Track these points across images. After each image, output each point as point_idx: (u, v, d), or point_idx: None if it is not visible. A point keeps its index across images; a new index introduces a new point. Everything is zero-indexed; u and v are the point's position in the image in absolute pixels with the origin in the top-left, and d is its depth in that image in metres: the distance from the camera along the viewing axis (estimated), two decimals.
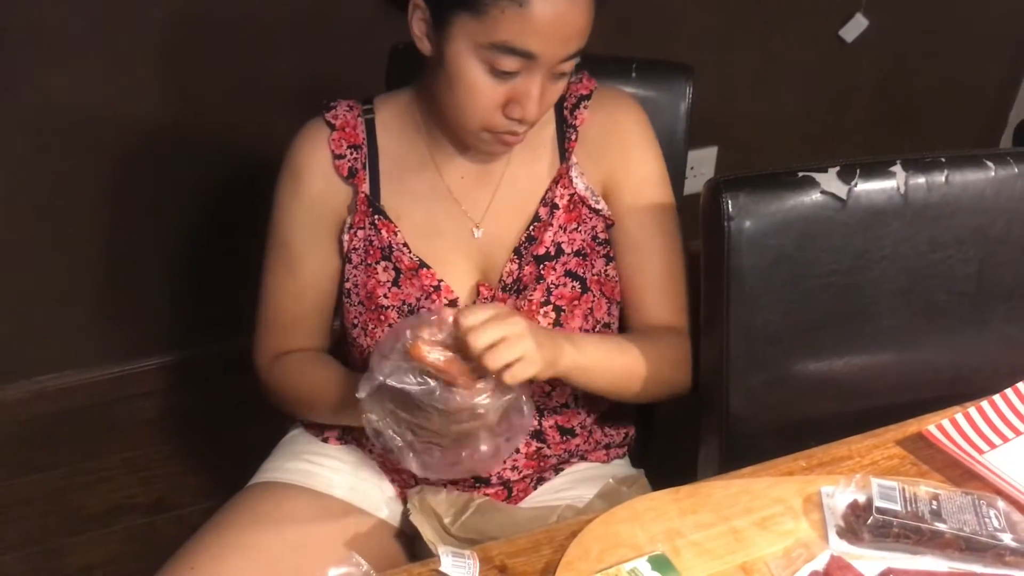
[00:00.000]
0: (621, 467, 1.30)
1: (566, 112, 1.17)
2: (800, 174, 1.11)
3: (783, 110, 2.64)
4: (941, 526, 0.92)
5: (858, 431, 1.10)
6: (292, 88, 2.01)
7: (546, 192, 1.16)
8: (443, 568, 0.91)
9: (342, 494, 1.21)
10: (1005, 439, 1.09)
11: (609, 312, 1.20)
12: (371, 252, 1.15)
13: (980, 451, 1.07)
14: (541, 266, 1.15)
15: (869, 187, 1.12)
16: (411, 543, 1.20)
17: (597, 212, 1.18)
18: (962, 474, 1.03)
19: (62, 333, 2.12)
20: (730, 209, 1.08)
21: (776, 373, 1.16)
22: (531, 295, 1.14)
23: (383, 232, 1.14)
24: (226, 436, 2.02)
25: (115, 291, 2.13)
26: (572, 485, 1.24)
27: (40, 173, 1.95)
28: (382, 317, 1.14)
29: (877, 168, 1.13)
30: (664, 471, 1.24)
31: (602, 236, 1.19)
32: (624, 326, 1.24)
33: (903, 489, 0.95)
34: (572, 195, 1.16)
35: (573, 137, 1.17)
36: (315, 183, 1.16)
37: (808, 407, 1.19)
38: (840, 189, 1.11)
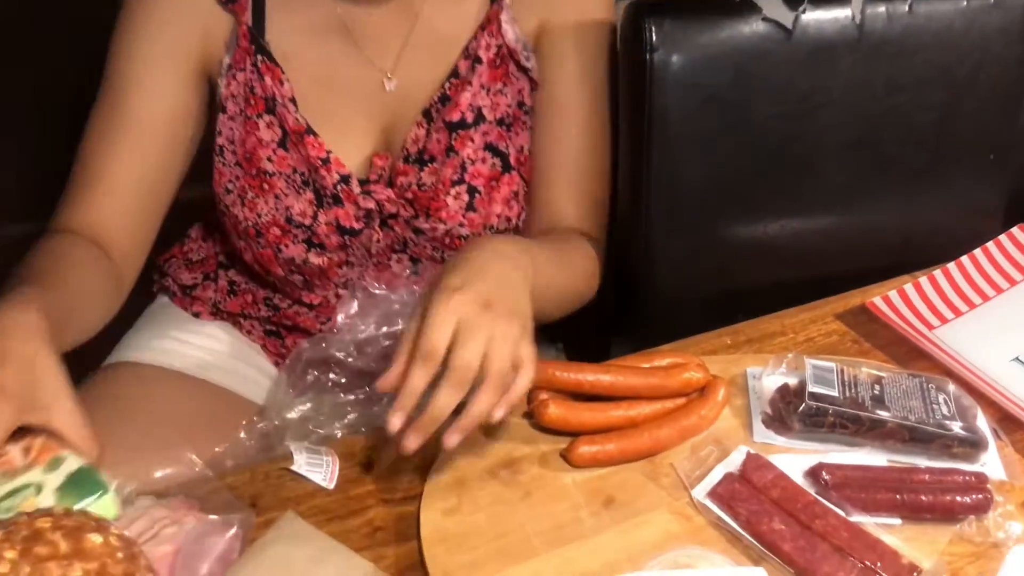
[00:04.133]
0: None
1: None
2: None
3: None
4: (883, 414, 0.85)
5: (795, 304, 1.06)
6: None
7: (470, 40, 1.02)
8: (295, 468, 0.80)
9: (216, 377, 1.10)
10: (958, 312, 1.08)
11: (528, 198, 1.07)
12: (253, 102, 0.99)
13: (930, 326, 1.04)
14: (454, 135, 1.01)
15: (820, 15, 1.04)
16: None
17: (526, 71, 1.04)
18: (909, 351, 0.99)
19: None
20: (654, 38, 1.00)
21: (703, 235, 1.11)
22: (441, 171, 1.00)
23: (267, 79, 0.98)
24: None
25: None
26: None
27: None
28: (265, 185, 0.99)
29: None
30: (579, 348, 1.17)
31: (528, 103, 1.05)
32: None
33: (841, 371, 0.89)
34: (500, 47, 1.02)
35: None
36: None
37: (739, 276, 1.15)
38: (786, 16, 1.02)
